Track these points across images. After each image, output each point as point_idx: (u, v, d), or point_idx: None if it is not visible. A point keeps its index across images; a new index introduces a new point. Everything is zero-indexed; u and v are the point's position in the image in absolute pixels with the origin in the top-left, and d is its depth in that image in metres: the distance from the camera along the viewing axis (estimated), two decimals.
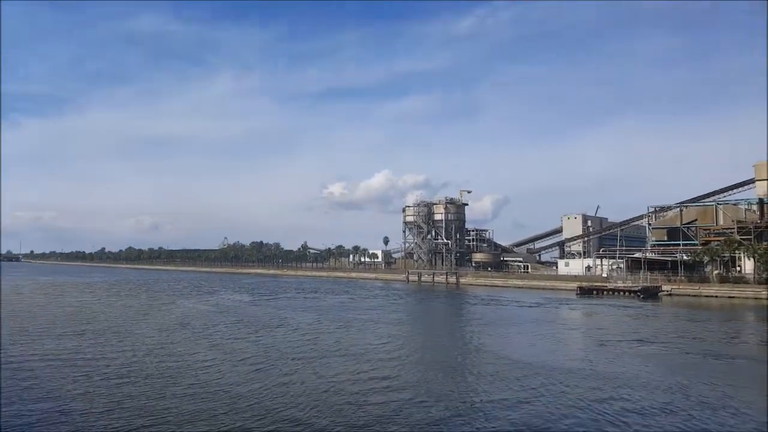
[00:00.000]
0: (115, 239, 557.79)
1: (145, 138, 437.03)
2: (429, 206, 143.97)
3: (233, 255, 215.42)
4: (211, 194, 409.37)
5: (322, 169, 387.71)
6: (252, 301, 69.38)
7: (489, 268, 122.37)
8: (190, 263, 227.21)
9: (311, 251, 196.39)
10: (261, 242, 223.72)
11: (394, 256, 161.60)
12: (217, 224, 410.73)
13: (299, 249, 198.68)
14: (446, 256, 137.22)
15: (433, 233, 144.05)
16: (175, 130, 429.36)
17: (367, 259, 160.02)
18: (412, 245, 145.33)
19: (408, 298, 77.72)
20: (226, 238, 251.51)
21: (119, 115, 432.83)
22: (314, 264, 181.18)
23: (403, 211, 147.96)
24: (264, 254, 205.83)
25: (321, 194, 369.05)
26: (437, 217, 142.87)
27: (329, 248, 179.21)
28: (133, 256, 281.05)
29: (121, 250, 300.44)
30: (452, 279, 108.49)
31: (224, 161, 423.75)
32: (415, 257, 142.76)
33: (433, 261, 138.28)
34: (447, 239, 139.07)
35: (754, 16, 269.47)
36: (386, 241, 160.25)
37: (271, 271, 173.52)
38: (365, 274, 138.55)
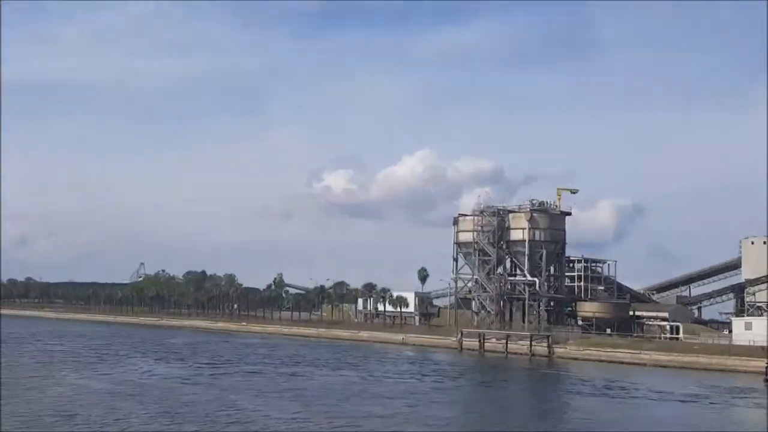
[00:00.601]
0: None
1: (6, 83, 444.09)
2: (501, 215, 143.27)
3: (155, 294, 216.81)
4: (120, 186, 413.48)
5: (313, 148, 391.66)
6: (187, 376, 69.86)
7: (608, 330, 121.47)
8: (82, 307, 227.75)
9: (290, 291, 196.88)
10: (203, 273, 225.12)
11: (436, 303, 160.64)
12: (129, 240, 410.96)
13: (270, 286, 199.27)
14: (531, 305, 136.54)
15: (508, 264, 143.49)
16: (60, 72, 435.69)
17: (390, 308, 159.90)
18: (470, 285, 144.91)
19: (461, 379, 77.56)
20: (142, 264, 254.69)
21: None
22: (296, 313, 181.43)
23: (455, 223, 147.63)
24: (208, 294, 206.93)
25: (310, 190, 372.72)
26: (515, 235, 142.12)
27: (322, 286, 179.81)
28: None
29: None
30: (541, 347, 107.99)
31: (143, 132, 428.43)
32: (474, 306, 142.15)
33: (508, 314, 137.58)
34: (532, 276, 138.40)
35: None
36: (423, 276, 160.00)
37: (221, 324, 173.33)
38: (385, 334, 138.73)
